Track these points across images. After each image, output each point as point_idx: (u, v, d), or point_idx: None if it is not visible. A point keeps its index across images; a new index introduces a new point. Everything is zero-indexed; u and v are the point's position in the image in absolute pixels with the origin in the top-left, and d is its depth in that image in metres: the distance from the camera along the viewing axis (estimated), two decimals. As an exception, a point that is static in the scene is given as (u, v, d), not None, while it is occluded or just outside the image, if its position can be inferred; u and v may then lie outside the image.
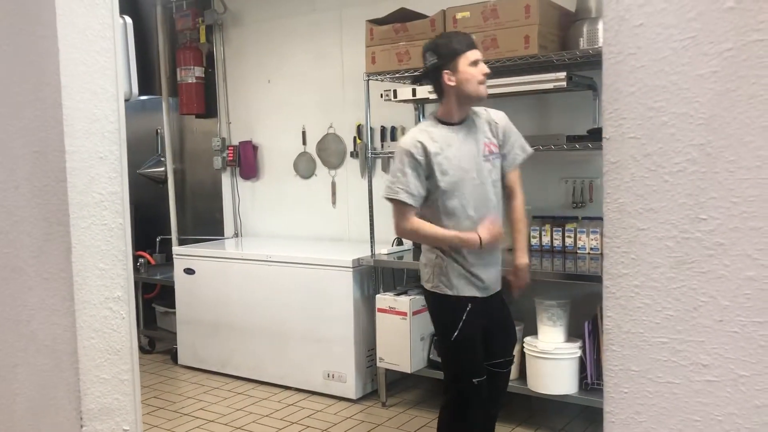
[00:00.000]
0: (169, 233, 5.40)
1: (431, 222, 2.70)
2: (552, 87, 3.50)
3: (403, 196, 2.62)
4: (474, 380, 2.75)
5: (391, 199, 2.67)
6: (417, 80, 2.94)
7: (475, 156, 2.70)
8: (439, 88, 2.68)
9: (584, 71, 3.66)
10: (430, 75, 2.68)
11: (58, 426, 1.56)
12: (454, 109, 2.68)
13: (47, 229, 1.52)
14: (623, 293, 0.87)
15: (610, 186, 0.87)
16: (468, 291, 2.73)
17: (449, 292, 2.73)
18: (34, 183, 1.53)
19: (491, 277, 2.79)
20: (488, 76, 2.66)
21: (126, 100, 1.64)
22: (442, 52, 2.61)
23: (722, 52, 0.79)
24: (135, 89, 1.68)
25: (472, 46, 2.63)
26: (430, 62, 2.65)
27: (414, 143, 2.62)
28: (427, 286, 2.80)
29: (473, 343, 2.76)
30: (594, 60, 3.49)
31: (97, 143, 1.53)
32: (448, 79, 2.60)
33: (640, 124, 0.84)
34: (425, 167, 2.63)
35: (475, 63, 2.61)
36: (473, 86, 2.60)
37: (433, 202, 2.69)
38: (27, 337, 1.61)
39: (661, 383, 0.86)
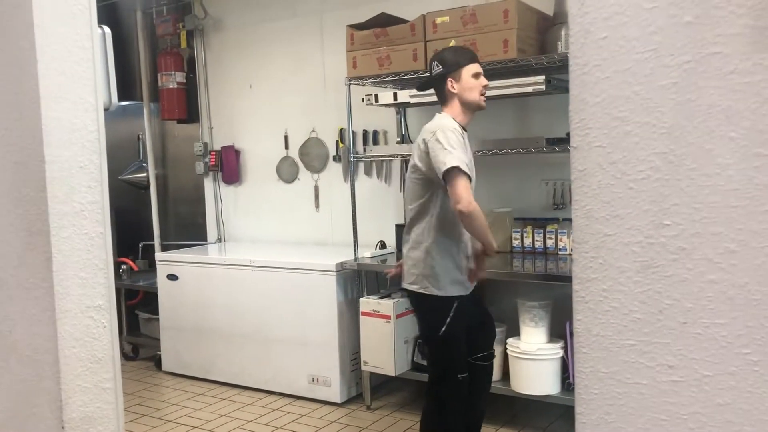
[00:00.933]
0: (152, 239, 5.39)
1: (436, 219, 2.77)
2: (531, 90, 3.54)
3: (464, 167, 2.62)
4: (459, 376, 2.85)
5: (450, 173, 2.60)
6: (422, 87, 3.06)
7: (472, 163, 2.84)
8: (443, 95, 2.87)
9: (563, 74, 3.70)
10: (435, 82, 2.87)
11: (41, 435, 1.56)
12: (460, 115, 2.84)
13: (28, 239, 1.53)
14: (592, 297, 0.90)
15: (578, 193, 0.90)
16: (455, 290, 2.83)
17: (437, 293, 2.80)
18: (14, 193, 1.54)
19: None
20: (487, 88, 2.87)
21: (105, 110, 1.65)
22: (447, 62, 2.83)
23: (682, 64, 0.82)
24: (114, 99, 1.69)
25: (474, 59, 2.86)
26: (435, 71, 2.86)
27: (455, 125, 2.75)
28: (413, 287, 2.85)
29: (458, 340, 2.85)
30: (572, 63, 3.52)
31: (77, 153, 1.54)
32: (452, 86, 2.80)
33: (605, 133, 0.87)
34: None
35: (476, 75, 2.82)
36: (474, 95, 2.81)
37: (438, 198, 2.77)
38: (8, 348, 1.61)
39: (630, 384, 0.89)
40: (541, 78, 3.47)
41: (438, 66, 2.85)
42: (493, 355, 3.09)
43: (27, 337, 1.56)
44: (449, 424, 2.90)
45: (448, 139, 2.67)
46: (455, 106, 2.83)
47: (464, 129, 2.85)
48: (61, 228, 1.51)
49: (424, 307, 2.89)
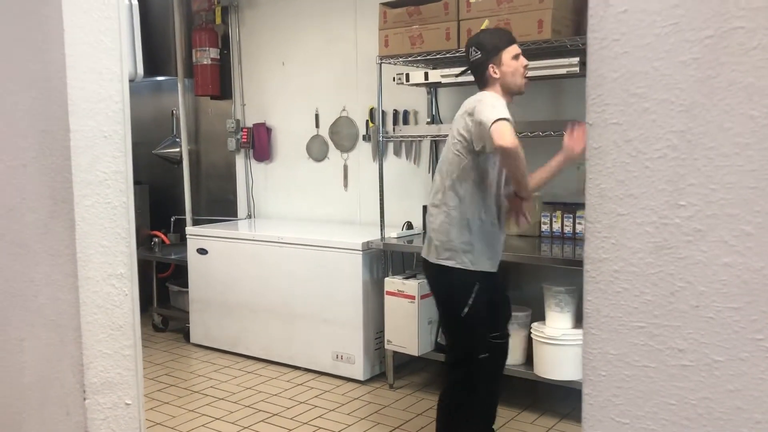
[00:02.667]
0: (184, 213, 5.46)
1: (466, 193, 2.73)
2: (565, 72, 3.48)
3: (509, 116, 2.56)
4: (481, 356, 2.82)
5: (496, 123, 2.52)
6: (461, 74, 2.99)
7: None
8: (485, 81, 2.78)
9: (598, 57, 3.63)
10: (475, 69, 2.79)
11: (63, 398, 1.60)
12: (501, 96, 2.77)
13: (53, 207, 1.55)
14: (603, 278, 0.88)
15: (592, 171, 0.88)
16: (484, 265, 2.78)
17: (467, 266, 2.74)
18: (41, 161, 1.57)
19: (501, 250, 2.90)
20: (527, 68, 2.80)
21: (131, 81, 1.66)
22: (487, 47, 2.74)
23: (703, 39, 0.79)
24: (140, 70, 1.70)
25: (512, 41, 2.78)
26: (474, 57, 2.77)
27: (494, 97, 2.68)
28: (448, 262, 2.76)
29: (481, 319, 2.81)
30: (607, 45, 3.45)
31: (102, 122, 1.56)
32: (494, 72, 2.73)
33: (622, 110, 0.85)
34: None
35: (516, 56, 2.75)
36: (517, 78, 2.75)
37: (477, 169, 2.71)
38: (34, 312, 1.65)
39: (638, 367, 0.87)
40: (576, 60, 3.40)
41: (477, 52, 2.76)
42: (508, 335, 3.07)
43: (51, 303, 1.60)
44: (480, 408, 2.89)
45: (493, 103, 2.62)
46: (496, 90, 2.76)
47: None
48: (84, 197, 1.53)
49: (448, 281, 2.81)
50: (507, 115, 2.56)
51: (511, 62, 2.73)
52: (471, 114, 2.66)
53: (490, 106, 2.59)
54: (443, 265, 2.79)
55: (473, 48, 2.78)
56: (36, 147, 1.57)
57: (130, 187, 1.62)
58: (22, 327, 1.68)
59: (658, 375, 0.85)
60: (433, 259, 2.82)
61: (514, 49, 2.75)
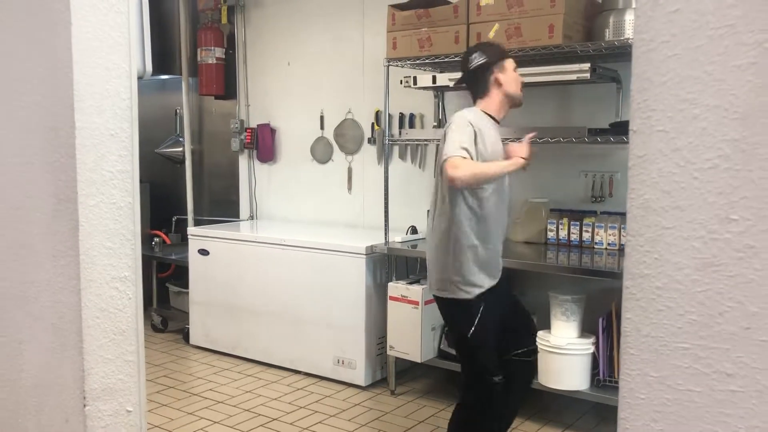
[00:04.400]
0: (185, 213, 5.40)
1: (459, 225, 2.66)
2: (575, 78, 3.43)
3: (467, 145, 2.54)
4: (495, 379, 2.74)
5: (454, 157, 2.52)
6: (459, 82, 2.92)
7: (501, 151, 2.76)
8: (485, 87, 2.73)
9: (609, 63, 3.58)
10: (478, 73, 2.72)
11: (62, 404, 1.54)
12: (497, 109, 2.74)
13: (56, 206, 1.50)
14: (644, 294, 0.83)
15: (636, 181, 0.83)
16: (481, 281, 2.70)
17: (467, 297, 2.69)
18: (45, 158, 1.51)
19: (498, 270, 2.81)
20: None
21: (139, 78, 1.61)
22: (492, 52, 2.73)
23: (762, 42, 0.74)
24: (149, 67, 1.66)
25: (509, 56, 2.80)
26: (477, 62, 2.71)
27: (472, 118, 2.64)
28: (446, 294, 2.74)
29: (489, 335, 2.75)
30: (619, 52, 3.41)
31: (108, 120, 1.51)
32: (497, 77, 2.69)
33: (670, 116, 0.79)
34: (478, 140, 2.61)
35: (515, 69, 2.76)
36: (517, 88, 2.73)
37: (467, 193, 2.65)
38: (34, 315, 1.59)
39: (681, 391, 0.82)
40: (587, 66, 3.35)
41: (481, 56, 2.70)
42: (533, 351, 2.96)
43: (52, 305, 1.54)
44: (486, 426, 2.82)
45: (460, 128, 2.57)
46: (494, 98, 2.71)
47: (497, 121, 2.77)
48: (89, 196, 1.48)
49: (452, 311, 2.79)
50: (466, 145, 2.52)
51: (512, 73, 2.73)
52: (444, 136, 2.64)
53: (452, 137, 2.56)
54: (440, 297, 2.78)
55: (477, 52, 2.74)
56: (41, 144, 1.52)
57: (136, 188, 1.57)
58: (22, 329, 1.63)
59: (704, 400, 0.80)
60: (433, 291, 2.81)
61: (512, 62, 2.77)
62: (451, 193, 2.64)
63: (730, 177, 0.77)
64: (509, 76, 2.71)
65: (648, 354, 0.83)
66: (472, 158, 2.52)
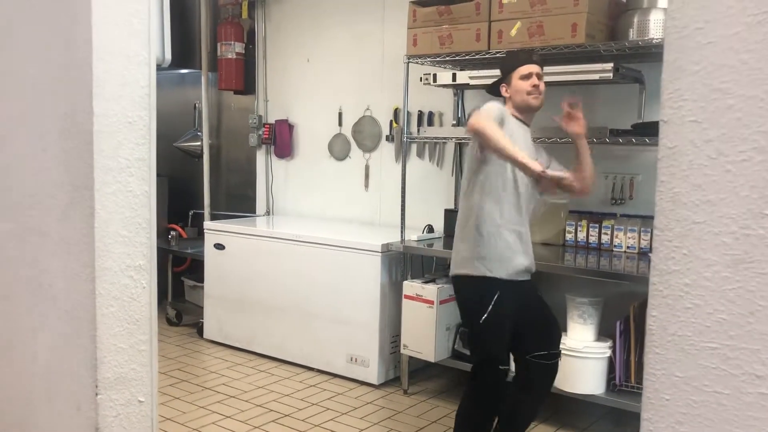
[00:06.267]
0: (202, 208, 5.41)
1: (476, 203, 2.75)
2: (598, 78, 3.39)
3: (491, 116, 2.65)
4: (500, 367, 2.78)
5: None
6: (488, 91, 3.13)
7: (532, 158, 2.77)
8: (502, 99, 2.95)
9: (632, 63, 3.53)
10: (494, 89, 2.99)
11: (74, 393, 1.53)
12: (516, 114, 2.88)
13: (72, 193, 1.49)
14: (671, 292, 0.80)
15: (665, 173, 0.79)
16: (501, 272, 2.75)
17: (483, 273, 2.74)
18: (61, 144, 1.50)
19: (524, 260, 2.82)
20: (537, 88, 2.83)
21: (158, 66, 1.60)
22: (502, 69, 2.95)
23: (803, 29, 0.71)
24: (168, 55, 1.65)
25: (527, 60, 2.87)
26: (496, 78, 2.99)
27: (500, 106, 2.77)
28: (463, 271, 2.80)
29: (501, 327, 2.77)
30: (643, 52, 3.36)
31: (127, 107, 1.50)
32: (505, 92, 2.91)
33: (702, 106, 0.76)
34: (502, 127, 2.68)
35: (527, 76, 2.83)
36: (521, 96, 2.84)
37: (486, 177, 2.74)
38: (48, 302, 1.59)
39: (708, 392, 0.78)
40: (609, 65, 3.31)
41: (499, 71, 2.98)
42: (556, 355, 2.94)
43: (66, 293, 1.53)
44: (478, 416, 2.83)
45: (487, 107, 2.70)
46: (510, 107, 2.90)
47: (525, 123, 2.90)
48: (105, 184, 1.47)
49: (468, 288, 2.83)
50: (488, 111, 2.66)
51: (517, 82, 2.84)
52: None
53: (480, 110, 2.72)
54: (459, 275, 2.82)
55: (498, 69, 2.99)
56: (57, 130, 1.51)
57: (153, 176, 1.56)
58: (35, 316, 1.62)
59: (732, 403, 0.77)
60: (452, 271, 2.88)
61: (525, 68, 2.83)
62: (473, 174, 2.77)
63: (765, 170, 0.74)
64: (513, 88, 2.85)
65: (674, 353, 0.80)
66: (493, 117, 2.64)
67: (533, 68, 2.84)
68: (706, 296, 0.78)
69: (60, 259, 1.53)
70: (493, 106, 2.72)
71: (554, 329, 2.97)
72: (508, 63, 2.93)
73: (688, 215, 0.78)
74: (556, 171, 2.66)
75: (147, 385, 1.58)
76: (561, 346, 3.40)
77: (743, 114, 0.75)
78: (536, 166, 2.56)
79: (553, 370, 2.94)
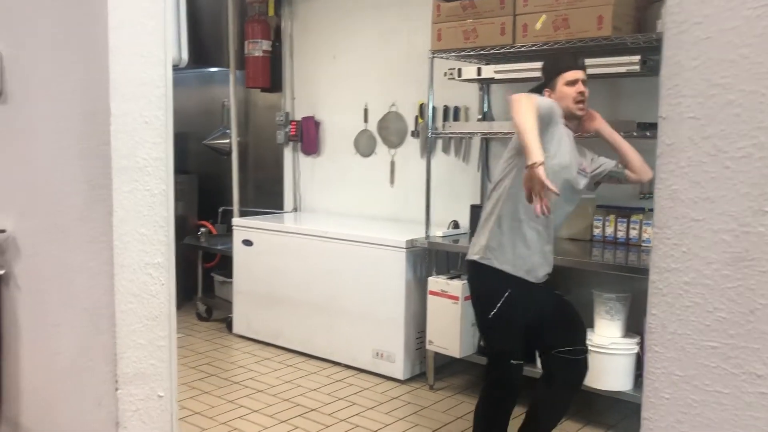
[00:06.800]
0: (231, 204, 5.47)
1: (503, 196, 2.70)
2: (625, 71, 3.34)
3: (535, 96, 2.58)
4: (512, 361, 2.75)
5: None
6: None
7: (573, 164, 2.77)
8: None
9: (659, 55, 3.47)
10: (536, 92, 2.85)
11: (95, 387, 1.57)
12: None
13: (90, 192, 1.52)
14: (671, 290, 0.79)
15: (664, 170, 0.78)
16: (516, 270, 2.71)
17: (495, 266, 2.71)
18: (80, 144, 1.54)
19: (539, 260, 2.76)
20: (582, 95, 2.78)
21: (175, 66, 1.62)
22: (546, 73, 2.87)
23: (802, 23, 0.69)
24: (185, 55, 1.68)
25: (573, 67, 2.81)
26: (539, 83, 2.92)
27: (555, 104, 2.71)
28: (476, 257, 2.77)
29: (511, 324, 2.74)
30: (671, 43, 3.30)
31: (143, 107, 1.52)
32: (548, 96, 2.80)
33: (701, 102, 0.75)
34: (550, 124, 2.62)
35: (572, 83, 2.77)
36: (566, 103, 2.76)
37: (519, 171, 2.62)
38: (69, 298, 1.63)
39: (708, 391, 0.77)
40: (636, 58, 3.26)
41: (541, 76, 2.91)
42: (582, 351, 2.89)
43: (86, 290, 1.57)
44: (491, 410, 2.82)
45: (541, 98, 2.63)
46: None
47: (570, 128, 2.84)
48: (123, 183, 1.50)
49: (480, 277, 2.80)
50: (541, 101, 2.58)
51: (563, 88, 2.77)
52: None
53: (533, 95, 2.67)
54: (473, 261, 2.79)
55: (541, 72, 2.93)
56: (76, 130, 1.54)
57: (170, 175, 1.58)
58: (58, 313, 1.66)
59: (732, 402, 0.76)
60: (469, 256, 2.83)
61: (572, 74, 2.77)
62: (506, 169, 2.72)
63: (765, 167, 0.72)
64: (558, 94, 2.77)
65: (674, 352, 0.79)
66: (540, 109, 2.51)
67: (579, 74, 2.78)
68: (706, 294, 0.77)
69: (80, 256, 1.57)
70: (550, 101, 2.66)
71: (577, 326, 2.93)
72: (553, 67, 2.84)
73: (687, 212, 0.77)
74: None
75: (166, 380, 1.61)
76: (588, 342, 3.38)
77: (742, 110, 0.73)
78: (536, 156, 2.37)
79: (580, 366, 2.89)
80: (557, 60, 2.87)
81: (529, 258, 2.71)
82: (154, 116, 1.54)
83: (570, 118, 2.80)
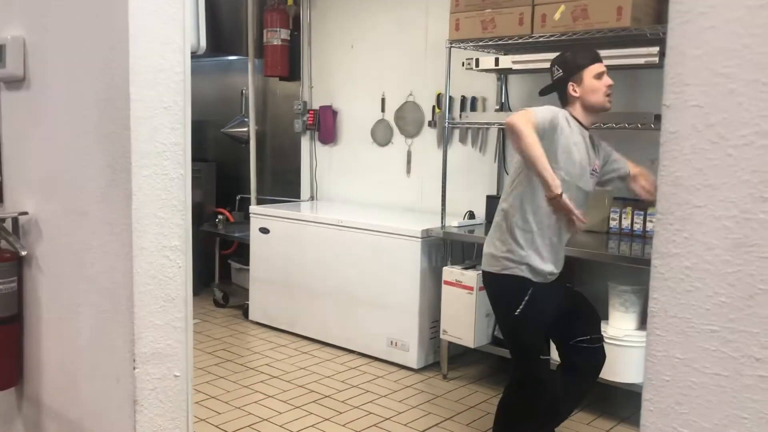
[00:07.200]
0: (249, 192, 5.53)
1: (525, 197, 2.67)
2: (643, 62, 3.33)
3: (533, 114, 2.56)
4: (541, 357, 2.75)
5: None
6: (544, 92, 2.95)
7: (588, 165, 2.75)
8: (565, 98, 2.78)
9: (679, 47, 3.45)
10: (557, 87, 2.81)
11: (114, 366, 1.61)
12: (581, 116, 2.76)
13: (111, 176, 1.56)
14: (672, 274, 0.80)
15: (667, 157, 0.80)
16: (528, 274, 2.71)
17: (513, 272, 2.69)
18: (100, 130, 1.57)
19: (552, 268, 2.76)
20: (611, 87, 2.74)
21: (193, 53, 1.65)
22: (568, 66, 2.76)
23: (805, 12, 0.70)
24: (203, 42, 1.71)
25: (596, 60, 2.76)
26: (556, 75, 2.80)
27: (558, 111, 2.66)
28: (493, 269, 2.75)
29: (537, 320, 2.74)
30: (690, 35, 3.27)
31: (162, 93, 1.55)
32: (573, 90, 2.73)
33: (704, 90, 0.76)
34: (554, 134, 2.60)
35: (599, 75, 2.72)
36: (598, 97, 2.72)
37: (529, 181, 2.64)
38: (90, 279, 1.67)
39: (708, 374, 0.79)
40: (655, 49, 3.24)
41: (558, 70, 2.78)
42: (599, 339, 2.93)
43: (107, 271, 1.61)
44: (521, 411, 2.81)
45: (541, 109, 2.60)
46: (576, 107, 2.75)
47: (585, 127, 2.77)
48: (142, 167, 1.53)
49: (500, 286, 2.78)
50: (540, 115, 2.55)
51: (592, 82, 2.71)
52: None
53: (529, 109, 2.62)
54: (489, 272, 2.78)
55: (556, 66, 2.80)
56: (97, 115, 1.58)
57: (187, 160, 1.62)
58: (79, 293, 1.71)
59: (731, 385, 0.77)
60: (484, 268, 2.82)
61: (597, 68, 2.72)
62: (518, 174, 2.70)
63: (766, 154, 0.74)
64: (586, 88, 2.70)
65: (674, 335, 0.81)
66: (538, 125, 2.53)
67: (603, 67, 2.75)
68: (707, 279, 0.79)
69: (100, 238, 1.61)
70: (546, 109, 2.61)
71: (592, 315, 2.96)
72: (578, 60, 2.75)
73: (689, 198, 0.79)
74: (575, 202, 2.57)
75: (182, 361, 1.65)
76: (603, 332, 3.39)
77: (745, 98, 0.75)
78: (555, 189, 2.47)
79: (598, 354, 2.92)
80: (580, 53, 2.80)
81: (540, 267, 2.70)
82: (173, 102, 1.57)
83: (597, 111, 2.77)
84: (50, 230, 1.78)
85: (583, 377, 2.93)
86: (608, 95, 2.73)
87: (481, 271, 2.88)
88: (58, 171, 1.73)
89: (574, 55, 2.81)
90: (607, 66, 3.44)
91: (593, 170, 2.80)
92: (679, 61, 0.78)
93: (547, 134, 2.57)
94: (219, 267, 5.51)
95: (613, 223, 3.79)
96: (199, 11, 1.66)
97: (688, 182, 0.78)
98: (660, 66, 3.37)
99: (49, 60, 1.71)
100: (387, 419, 3.47)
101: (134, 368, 1.57)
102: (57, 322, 1.80)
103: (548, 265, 2.72)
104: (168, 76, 1.56)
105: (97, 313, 1.65)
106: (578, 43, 3.43)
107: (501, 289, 2.79)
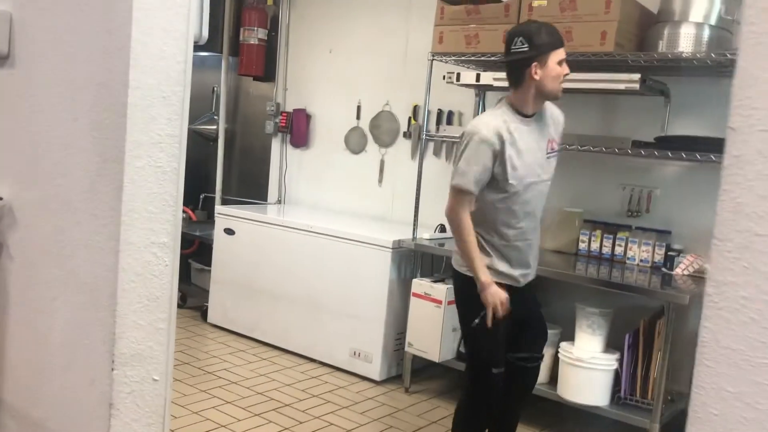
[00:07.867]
0: (213, 192, 5.40)
1: (482, 215, 2.65)
2: (623, 88, 3.36)
3: (473, 188, 2.55)
4: (493, 370, 2.71)
5: (457, 188, 2.58)
6: (500, 64, 2.81)
7: (542, 152, 2.67)
8: (520, 78, 2.56)
9: (659, 76, 3.50)
10: (517, 63, 2.54)
11: (90, 366, 1.52)
12: (530, 102, 2.60)
13: (101, 165, 1.47)
14: (727, 304, 0.78)
15: (729, 182, 0.77)
16: (497, 277, 2.66)
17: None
18: (93, 116, 1.48)
19: (523, 271, 2.74)
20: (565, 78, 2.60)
21: (195, 43, 1.58)
22: (536, 43, 2.49)
23: None
24: (205, 32, 1.64)
25: (562, 43, 2.55)
26: (520, 49, 2.52)
27: (491, 132, 2.52)
28: (459, 268, 2.74)
29: (494, 332, 2.67)
30: (671, 65, 3.33)
31: (162, 81, 1.48)
32: (534, 72, 2.50)
33: (774, 116, 0.74)
34: (498, 158, 2.54)
35: (561, 62, 2.55)
36: (555, 85, 2.54)
37: (492, 196, 2.61)
38: (68, 272, 1.57)
39: (762, 410, 0.76)
40: (637, 76, 3.28)
41: (524, 44, 2.49)
42: (539, 359, 2.92)
43: (88, 265, 1.52)
44: (472, 418, 2.80)
45: (475, 150, 2.53)
46: (527, 91, 2.55)
47: (529, 116, 2.61)
48: (135, 158, 1.45)
49: (464, 288, 2.74)
50: (473, 173, 2.53)
51: (555, 67, 2.51)
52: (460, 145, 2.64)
53: (468, 158, 2.55)
54: (456, 270, 2.76)
55: (521, 39, 2.50)
56: (90, 100, 1.49)
57: (182, 153, 1.54)
58: (54, 286, 1.60)
59: (784, 422, 0.75)
60: (456, 266, 2.79)
61: (561, 53, 2.53)
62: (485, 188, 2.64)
63: (837, 185, 0.72)
64: (548, 72, 2.50)
65: (726, 367, 0.78)
66: (477, 186, 2.55)
67: (565, 54, 2.56)
68: (765, 311, 0.76)
69: (84, 230, 1.52)
70: (476, 145, 2.50)
71: (541, 333, 2.94)
72: (547, 39, 2.49)
73: (751, 226, 0.76)
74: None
75: (162, 364, 1.57)
76: (568, 355, 3.40)
77: (817, 126, 0.73)
78: (483, 279, 2.57)
79: (533, 374, 2.92)
80: (550, 32, 2.53)
81: (511, 270, 2.69)
82: (172, 91, 1.50)
83: (547, 98, 2.61)
84: (26, 218, 1.67)
85: (514, 394, 2.90)
86: (562, 83, 2.56)
87: (452, 269, 2.83)
88: (39, 156, 1.63)
89: (540, 30, 2.52)
90: (587, 89, 3.50)
91: (550, 151, 2.69)
92: (750, 84, 0.75)
93: (489, 171, 2.54)
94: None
95: (582, 245, 3.82)
96: (204, 1, 1.59)
97: (750, 209, 0.76)
98: (639, 93, 3.42)
99: (39, 38, 1.61)
100: (348, 431, 3.41)
101: (112, 369, 1.48)
102: (28, 316, 1.69)
103: (517, 269, 2.69)
104: (169, 65, 1.48)
105: (74, 308, 1.55)
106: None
107: (464, 290, 2.75)
